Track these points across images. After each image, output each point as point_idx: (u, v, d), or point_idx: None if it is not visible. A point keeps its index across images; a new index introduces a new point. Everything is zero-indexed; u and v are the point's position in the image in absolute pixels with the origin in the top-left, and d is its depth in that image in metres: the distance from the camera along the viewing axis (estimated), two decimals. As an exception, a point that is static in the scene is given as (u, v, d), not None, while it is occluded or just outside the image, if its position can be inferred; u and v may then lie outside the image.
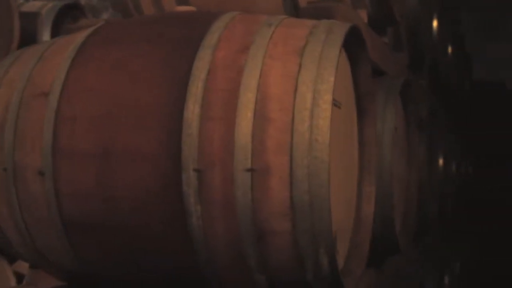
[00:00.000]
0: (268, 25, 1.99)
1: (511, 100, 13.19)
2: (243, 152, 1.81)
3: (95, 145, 2.00)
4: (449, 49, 7.98)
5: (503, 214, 11.29)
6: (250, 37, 1.95)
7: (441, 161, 5.69)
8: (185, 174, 1.86)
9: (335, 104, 1.98)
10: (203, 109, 1.87)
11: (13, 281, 2.51)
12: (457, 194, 7.97)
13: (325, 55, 1.84)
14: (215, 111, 1.87)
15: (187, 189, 1.87)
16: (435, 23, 6.20)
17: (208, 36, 1.98)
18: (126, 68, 2.04)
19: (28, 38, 3.78)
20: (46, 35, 4.18)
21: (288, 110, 1.80)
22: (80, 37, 2.24)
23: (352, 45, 2.22)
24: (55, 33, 4.18)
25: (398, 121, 3.18)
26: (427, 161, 4.24)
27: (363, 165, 2.49)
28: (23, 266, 2.52)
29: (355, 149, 2.47)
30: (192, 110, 1.87)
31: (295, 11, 2.61)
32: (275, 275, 1.91)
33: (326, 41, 1.90)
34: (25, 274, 2.49)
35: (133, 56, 2.07)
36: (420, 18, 4.45)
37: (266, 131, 1.81)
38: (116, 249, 2.08)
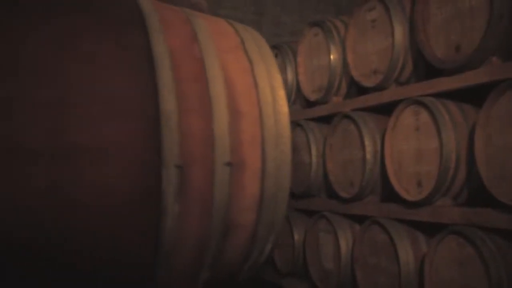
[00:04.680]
0: (193, 16, 1.94)
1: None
2: (222, 146, 1.76)
3: (46, 140, 1.50)
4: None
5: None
6: (188, 26, 1.87)
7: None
8: (166, 171, 1.66)
9: None
10: (179, 100, 1.72)
11: None
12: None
13: (264, 53, 1.96)
14: (191, 103, 1.72)
15: (167, 187, 1.68)
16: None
17: (149, 19, 1.77)
18: (73, 45, 1.60)
19: None
20: None
21: (255, 104, 1.85)
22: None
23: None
24: None
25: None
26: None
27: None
28: None
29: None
30: (169, 101, 1.68)
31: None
32: (219, 270, 1.91)
33: (254, 39, 2.01)
34: None
35: (75, 31, 1.63)
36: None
37: (240, 124, 1.81)
38: (55, 272, 1.60)
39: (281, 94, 1.94)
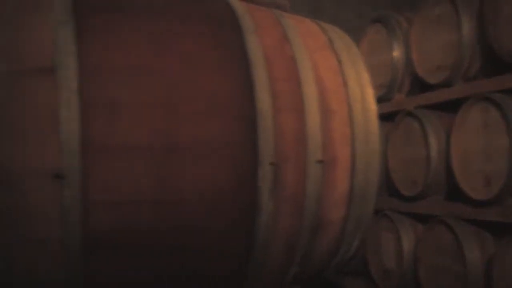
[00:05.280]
0: (282, 16, 1.95)
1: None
2: (314, 144, 1.77)
3: (151, 138, 1.54)
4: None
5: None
6: (279, 27, 1.88)
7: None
8: (262, 169, 1.68)
9: None
10: (273, 99, 1.73)
11: None
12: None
13: (351, 51, 1.96)
14: (285, 102, 1.74)
15: (262, 185, 1.69)
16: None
17: (243, 20, 1.79)
18: (172, 46, 1.63)
19: None
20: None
21: (344, 102, 1.85)
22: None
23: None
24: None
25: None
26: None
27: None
28: None
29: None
30: (264, 100, 1.69)
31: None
32: (307, 267, 1.92)
33: (341, 38, 2.01)
34: None
35: (173, 33, 1.67)
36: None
37: (331, 123, 1.82)
38: (155, 264, 1.65)
39: (370, 92, 1.93)
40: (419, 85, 3.93)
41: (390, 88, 4.03)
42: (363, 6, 5.54)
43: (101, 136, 1.57)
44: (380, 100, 4.19)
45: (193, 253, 1.71)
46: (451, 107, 3.64)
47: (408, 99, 3.93)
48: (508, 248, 2.96)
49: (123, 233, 1.60)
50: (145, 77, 1.62)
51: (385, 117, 4.27)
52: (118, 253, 1.62)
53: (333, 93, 1.88)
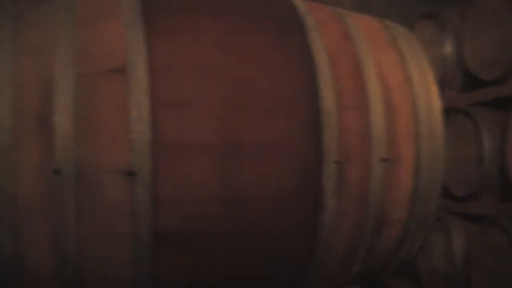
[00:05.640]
0: (343, 13, 1.94)
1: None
2: (379, 142, 1.76)
3: (217, 137, 1.57)
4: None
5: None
6: (340, 24, 1.87)
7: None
8: (326, 167, 1.68)
9: None
10: (337, 97, 1.72)
11: None
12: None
13: (414, 48, 1.94)
14: (348, 99, 1.73)
15: (327, 183, 1.69)
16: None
17: (305, 18, 1.80)
18: (237, 46, 1.66)
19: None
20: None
21: (409, 100, 1.83)
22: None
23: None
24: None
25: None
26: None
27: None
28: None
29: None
30: (329, 97, 1.69)
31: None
32: (369, 265, 1.91)
33: (404, 35, 1.99)
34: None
35: (237, 32, 1.69)
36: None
37: (395, 120, 1.80)
38: (220, 263, 1.67)
39: (434, 89, 1.91)
40: (471, 82, 3.85)
41: (440, 85, 3.97)
42: (411, 1, 5.46)
43: (170, 135, 1.59)
44: (430, 97, 4.11)
45: (258, 252, 1.72)
46: (504, 104, 3.55)
47: (459, 96, 3.86)
48: None
49: (190, 232, 1.63)
50: (211, 77, 1.65)
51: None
52: (184, 252, 1.65)
53: (397, 91, 1.86)
